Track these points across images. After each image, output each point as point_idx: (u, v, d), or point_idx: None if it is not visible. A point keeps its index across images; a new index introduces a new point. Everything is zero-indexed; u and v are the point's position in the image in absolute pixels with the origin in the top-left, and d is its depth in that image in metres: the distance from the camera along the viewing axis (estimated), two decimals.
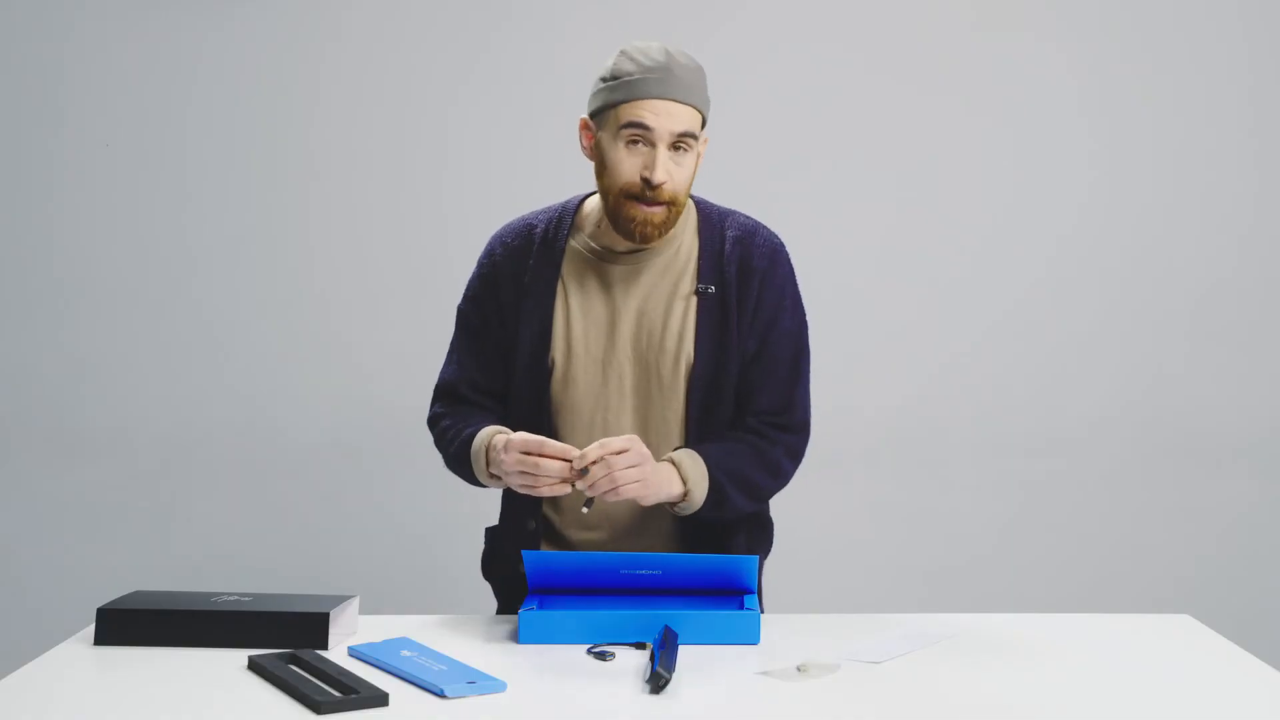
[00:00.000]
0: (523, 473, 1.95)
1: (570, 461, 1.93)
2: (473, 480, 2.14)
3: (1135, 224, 3.43)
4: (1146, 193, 3.43)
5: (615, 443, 1.94)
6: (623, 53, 2.06)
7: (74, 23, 3.38)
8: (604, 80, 2.07)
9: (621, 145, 2.04)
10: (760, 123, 3.36)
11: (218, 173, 3.40)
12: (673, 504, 2.05)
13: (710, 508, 2.06)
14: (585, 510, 2.00)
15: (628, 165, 2.04)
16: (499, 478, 2.05)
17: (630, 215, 2.06)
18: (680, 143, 2.04)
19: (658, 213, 2.05)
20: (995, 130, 3.41)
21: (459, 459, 2.13)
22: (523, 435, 1.97)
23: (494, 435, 2.06)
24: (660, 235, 2.08)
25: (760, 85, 3.38)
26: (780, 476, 2.17)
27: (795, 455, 2.18)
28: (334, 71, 3.39)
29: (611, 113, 2.05)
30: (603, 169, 2.08)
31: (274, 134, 3.39)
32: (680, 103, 2.03)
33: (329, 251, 3.40)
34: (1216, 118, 3.42)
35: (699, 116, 2.06)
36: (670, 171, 2.03)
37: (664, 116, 2.02)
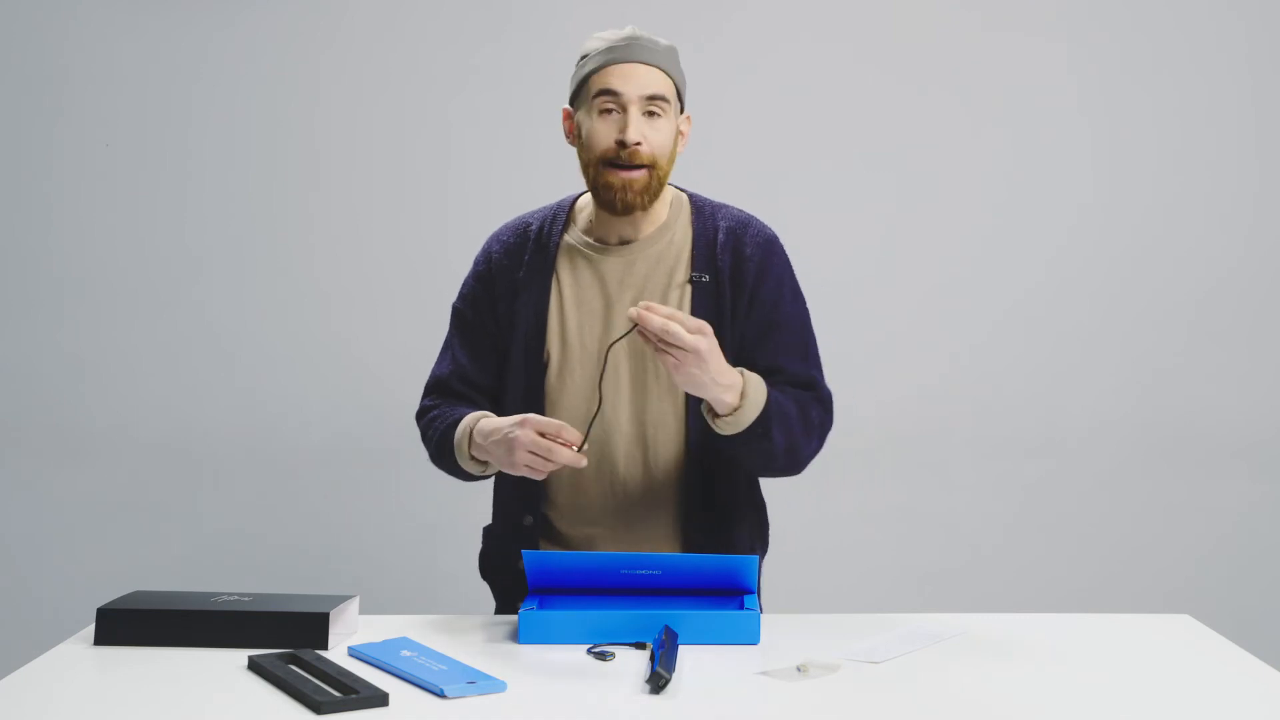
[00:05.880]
0: (533, 454, 1.95)
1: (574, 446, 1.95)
2: (455, 470, 2.14)
3: (1136, 224, 3.43)
4: (1147, 193, 3.43)
5: (689, 320, 1.88)
6: (592, 36, 2.11)
7: (74, 23, 3.37)
8: (577, 65, 2.11)
9: (596, 115, 2.07)
10: (760, 123, 3.36)
11: (218, 173, 3.40)
12: (716, 415, 1.98)
13: (748, 435, 1.98)
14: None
15: (602, 132, 2.07)
16: (480, 461, 2.06)
17: (608, 182, 2.07)
18: (653, 106, 2.06)
19: (638, 177, 2.06)
20: (995, 130, 3.41)
21: (442, 446, 2.13)
22: (539, 417, 1.97)
23: (479, 420, 2.07)
24: (644, 204, 2.08)
25: (760, 85, 3.38)
26: (813, 438, 2.09)
27: (824, 429, 2.12)
28: (335, 72, 3.39)
29: (585, 88, 2.09)
30: (582, 146, 2.11)
31: (274, 134, 3.39)
32: (647, 65, 2.06)
33: (329, 251, 3.40)
34: (1216, 118, 3.42)
35: (669, 82, 2.08)
36: (645, 134, 2.05)
37: (632, 81, 2.05)
